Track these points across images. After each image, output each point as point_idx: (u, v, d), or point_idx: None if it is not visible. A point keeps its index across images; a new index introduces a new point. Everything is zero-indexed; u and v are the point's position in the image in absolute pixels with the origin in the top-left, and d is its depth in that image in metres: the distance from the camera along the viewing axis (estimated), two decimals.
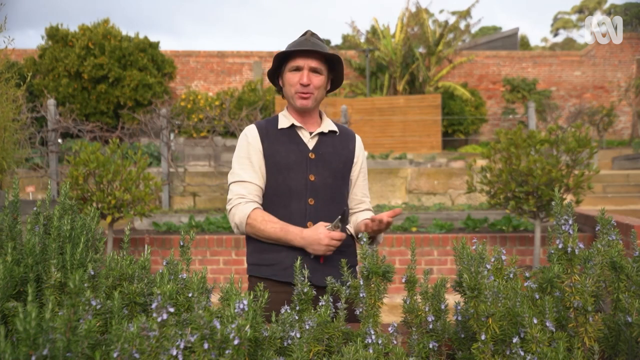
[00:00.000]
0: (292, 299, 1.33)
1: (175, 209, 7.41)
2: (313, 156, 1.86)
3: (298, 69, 1.82)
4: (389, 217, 1.74)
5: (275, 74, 1.93)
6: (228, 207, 1.85)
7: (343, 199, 1.92)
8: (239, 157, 1.88)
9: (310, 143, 1.89)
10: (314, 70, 1.82)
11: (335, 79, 1.94)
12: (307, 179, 1.84)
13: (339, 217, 1.71)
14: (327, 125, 1.93)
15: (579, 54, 16.19)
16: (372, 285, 1.30)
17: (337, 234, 1.71)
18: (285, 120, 1.91)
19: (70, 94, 11.72)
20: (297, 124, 1.88)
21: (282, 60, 1.86)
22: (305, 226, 1.80)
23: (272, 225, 1.77)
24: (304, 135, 1.89)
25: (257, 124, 1.92)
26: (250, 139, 1.87)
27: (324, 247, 1.72)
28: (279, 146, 1.86)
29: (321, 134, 1.91)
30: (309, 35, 1.86)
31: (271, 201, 1.86)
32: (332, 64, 1.88)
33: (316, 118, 1.95)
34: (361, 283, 1.30)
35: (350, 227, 1.95)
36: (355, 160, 1.97)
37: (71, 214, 1.45)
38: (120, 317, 1.10)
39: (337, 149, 1.91)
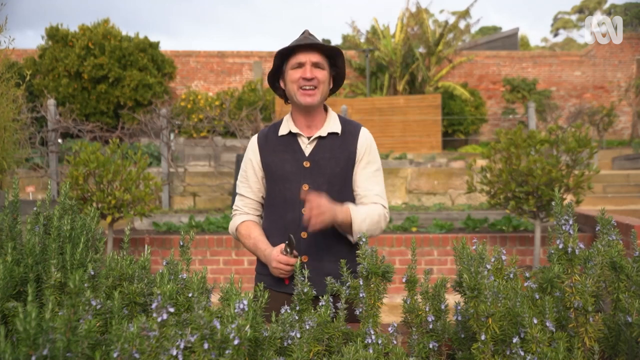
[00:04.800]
0: (292, 299, 1.33)
1: (175, 209, 7.41)
2: (308, 164, 1.82)
3: (300, 65, 1.78)
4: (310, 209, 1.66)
5: (276, 77, 1.88)
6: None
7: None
8: (242, 169, 1.96)
9: (308, 149, 1.84)
10: (316, 65, 1.78)
11: (337, 76, 1.89)
12: (301, 188, 1.80)
13: (286, 242, 1.69)
14: (330, 126, 1.86)
15: (579, 54, 16.19)
16: (372, 286, 1.30)
17: (284, 259, 1.69)
18: (286, 126, 1.88)
19: (70, 94, 11.72)
20: (294, 130, 1.85)
21: (283, 59, 1.83)
22: (300, 236, 1.79)
23: (248, 241, 1.87)
24: (302, 142, 1.85)
25: (259, 133, 1.95)
26: (250, 153, 1.92)
27: (273, 269, 1.75)
28: (274, 156, 1.86)
29: (319, 138, 1.85)
30: (307, 34, 1.85)
31: (271, 211, 1.88)
32: (333, 60, 1.85)
33: (321, 117, 1.88)
34: (361, 283, 1.30)
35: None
36: (357, 157, 1.86)
37: (71, 214, 1.45)
38: (120, 317, 1.10)
39: (334, 153, 1.83)
